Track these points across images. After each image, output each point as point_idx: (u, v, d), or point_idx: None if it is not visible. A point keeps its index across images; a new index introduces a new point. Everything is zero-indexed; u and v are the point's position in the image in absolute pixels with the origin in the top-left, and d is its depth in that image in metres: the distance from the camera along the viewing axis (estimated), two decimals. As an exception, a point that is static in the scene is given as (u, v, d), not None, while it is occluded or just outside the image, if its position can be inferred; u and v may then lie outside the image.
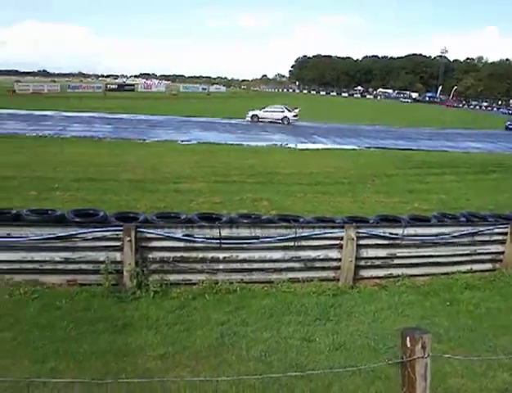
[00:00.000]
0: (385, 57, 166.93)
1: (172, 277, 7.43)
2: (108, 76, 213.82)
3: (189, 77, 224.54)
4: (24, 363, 5.44)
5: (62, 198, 12.33)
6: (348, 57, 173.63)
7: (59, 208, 8.68)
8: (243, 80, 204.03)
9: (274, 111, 40.38)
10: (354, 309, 7.18)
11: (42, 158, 18.41)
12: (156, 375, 5.26)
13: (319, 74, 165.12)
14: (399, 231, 8.27)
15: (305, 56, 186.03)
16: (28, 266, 7.28)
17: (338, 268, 8.04)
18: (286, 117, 39.61)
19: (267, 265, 7.81)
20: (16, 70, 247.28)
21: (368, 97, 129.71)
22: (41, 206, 9.35)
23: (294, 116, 39.97)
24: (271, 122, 39.16)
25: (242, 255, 7.66)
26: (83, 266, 7.30)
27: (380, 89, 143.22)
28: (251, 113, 40.06)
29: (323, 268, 8.09)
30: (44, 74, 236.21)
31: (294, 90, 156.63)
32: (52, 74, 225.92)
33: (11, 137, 24.45)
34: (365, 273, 8.26)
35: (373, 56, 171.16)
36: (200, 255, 7.48)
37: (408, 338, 2.57)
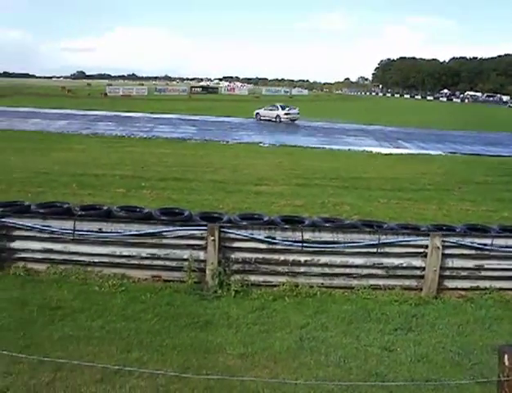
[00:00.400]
0: (474, 59, 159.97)
1: (253, 278, 7.50)
2: (193, 79, 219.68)
3: (271, 80, 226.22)
4: (111, 351, 5.69)
5: (149, 196, 12.81)
6: (434, 59, 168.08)
7: (145, 206, 9.02)
8: (325, 83, 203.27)
9: (271, 110, 41.59)
10: (437, 321, 6.90)
11: (130, 157, 19.25)
12: (236, 374, 5.30)
13: (403, 76, 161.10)
14: (487, 241, 7.88)
15: (389, 59, 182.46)
16: (116, 260, 7.63)
17: (421, 277, 7.77)
18: (278, 116, 40.42)
19: (348, 270, 7.69)
20: (108, 74, 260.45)
21: (455, 100, 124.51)
22: (129, 203, 9.78)
23: (286, 115, 40.51)
24: (269, 120, 40.03)
25: (323, 259, 7.58)
26: (168, 263, 7.54)
27: (468, 92, 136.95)
28: (256, 111, 41.30)
29: (406, 277, 7.85)
30: (133, 77, 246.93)
31: (377, 93, 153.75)
32: (141, 78, 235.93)
33: (102, 137, 25.84)
34: (449, 283, 7.93)
35: (461, 57, 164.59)
36: (282, 257, 7.48)
37: (506, 356, 2.42)
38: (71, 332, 6.07)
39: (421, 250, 7.68)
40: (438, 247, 7.52)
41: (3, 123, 31.90)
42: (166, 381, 5.11)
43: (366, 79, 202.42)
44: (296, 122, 39.78)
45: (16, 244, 7.83)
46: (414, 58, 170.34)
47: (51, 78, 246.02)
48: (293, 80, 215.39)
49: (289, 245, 7.46)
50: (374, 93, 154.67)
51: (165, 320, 6.46)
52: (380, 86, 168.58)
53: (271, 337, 6.15)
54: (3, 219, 7.73)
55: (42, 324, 6.23)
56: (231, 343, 5.97)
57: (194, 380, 5.10)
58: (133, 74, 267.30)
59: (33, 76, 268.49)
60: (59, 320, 6.35)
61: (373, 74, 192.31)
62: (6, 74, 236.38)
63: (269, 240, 7.38)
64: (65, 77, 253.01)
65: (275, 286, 7.48)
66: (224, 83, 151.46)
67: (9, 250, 7.88)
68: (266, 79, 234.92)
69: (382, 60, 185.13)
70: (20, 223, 7.70)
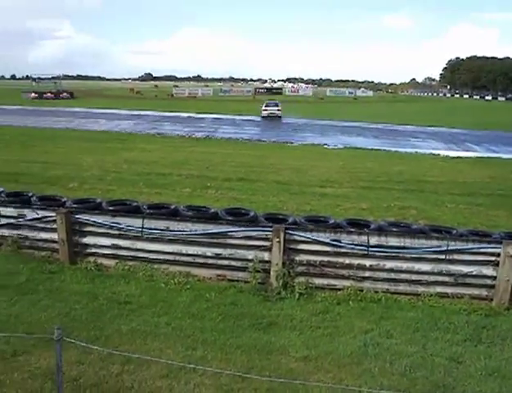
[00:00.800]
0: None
1: (318, 281, 7.43)
2: (257, 80, 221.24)
3: (335, 81, 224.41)
4: (176, 347, 5.80)
5: (214, 196, 13.00)
6: (508, 57, 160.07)
7: (211, 205, 9.14)
8: (390, 84, 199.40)
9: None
10: (510, 334, 6.57)
11: (195, 157, 19.61)
12: (298, 377, 5.27)
13: (473, 76, 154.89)
14: None
15: (458, 58, 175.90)
16: (182, 258, 7.77)
17: (492, 286, 7.43)
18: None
19: (414, 277, 7.47)
20: (174, 76, 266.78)
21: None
22: (194, 203, 9.94)
23: (269, 113, 43.59)
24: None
25: (389, 265, 7.41)
26: (233, 263, 7.60)
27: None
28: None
29: (475, 286, 7.53)
30: (198, 79, 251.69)
31: (444, 94, 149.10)
32: (205, 79, 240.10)
33: (168, 137, 26.48)
34: (523, 294, 7.56)
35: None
36: (347, 261, 7.38)
37: None
38: (138, 326, 6.23)
39: (493, 258, 7.35)
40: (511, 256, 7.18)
41: (73, 123, 33.37)
42: (229, 381, 5.14)
43: (433, 80, 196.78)
44: (361, 124, 39.15)
45: (88, 239, 8.14)
46: (485, 57, 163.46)
47: (120, 80, 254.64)
48: (357, 81, 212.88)
49: (355, 248, 7.34)
50: (441, 94, 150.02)
51: (229, 319, 6.51)
52: (448, 87, 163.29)
53: (334, 341, 6.08)
54: (77, 216, 8.05)
55: (111, 318, 6.44)
56: (294, 345, 5.94)
57: (257, 381, 5.11)
58: (198, 76, 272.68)
59: (104, 79, 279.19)
60: (127, 315, 6.54)
61: (440, 74, 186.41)
62: (79, 77, 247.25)
63: (334, 243, 7.30)
64: (134, 79, 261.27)
65: (339, 289, 7.39)
66: (288, 85, 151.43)
67: (81, 245, 8.21)
68: (330, 79, 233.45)
69: (450, 60, 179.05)
70: (92, 219, 7.99)
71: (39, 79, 71.96)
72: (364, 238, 7.33)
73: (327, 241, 7.32)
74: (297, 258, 7.42)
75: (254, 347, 5.88)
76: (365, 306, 7.05)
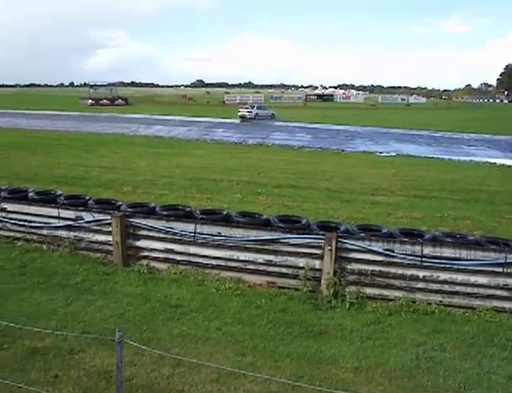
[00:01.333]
0: None
1: (369, 291, 7.32)
2: (307, 87, 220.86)
3: (387, 87, 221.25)
4: (226, 353, 5.85)
5: (264, 202, 13.02)
6: None
7: (261, 212, 9.16)
8: (444, 90, 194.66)
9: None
10: None
11: (246, 164, 19.74)
12: (349, 388, 5.22)
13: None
14: None
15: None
16: (233, 264, 7.83)
17: (553, 303, 7.13)
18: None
19: (469, 290, 7.24)
20: (226, 83, 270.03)
21: None
22: (245, 209, 9.99)
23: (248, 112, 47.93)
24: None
25: (443, 276, 7.21)
26: (283, 270, 7.59)
27: None
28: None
29: (535, 301, 7.25)
30: (249, 85, 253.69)
31: (501, 100, 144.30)
32: (256, 86, 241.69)
33: (220, 143, 26.80)
34: None
35: None
36: (399, 271, 7.23)
37: None
38: (189, 330, 6.33)
39: (554, 272, 7.06)
40: None
41: (127, 129, 34.23)
42: (279, 388, 5.14)
43: (490, 86, 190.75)
44: (413, 131, 38.36)
45: (141, 243, 8.32)
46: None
47: (172, 86, 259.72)
48: (410, 88, 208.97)
49: (408, 259, 7.19)
50: (498, 100, 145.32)
51: (279, 327, 6.50)
52: (506, 92, 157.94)
53: (385, 353, 5.97)
54: (131, 219, 8.25)
55: (162, 320, 6.57)
56: (345, 355, 5.88)
57: (306, 390, 5.09)
58: (249, 83, 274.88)
59: (157, 85, 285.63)
60: (178, 318, 6.65)
61: (498, 79, 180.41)
62: (133, 84, 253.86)
63: (387, 253, 7.18)
64: (186, 85, 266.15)
65: (390, 300, 7.26)
66: (339, 91, 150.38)
67: (135, 248, 8.40)
68: (381, 86, 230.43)
69: (508, 65, 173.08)
70: (146, 223, 8.16)
71: (96, 85, 74.15)
72: (417, 248, 7.18)
73: (379, 250, 7.20)
74: (348, 267, 7.34)
75: (304, 356, 5.85)
76: (417, 318, 6.89)
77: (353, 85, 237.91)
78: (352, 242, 7.25)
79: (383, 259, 7.22)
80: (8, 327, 5.89)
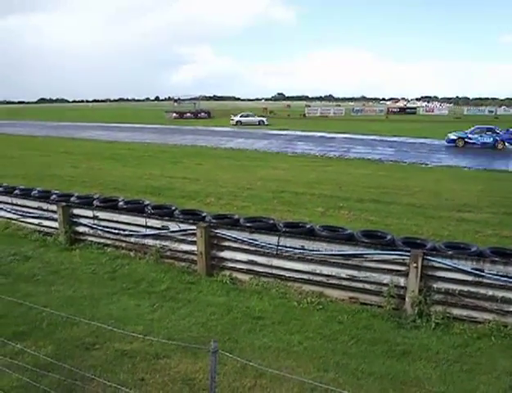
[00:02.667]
0: None
1: (456, 312, 7.02)
2: (389, 100, 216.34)
3: (473, 99, 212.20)
4: (308, 367, 5.82)
5: (346, 217, 12.89)
6: None
7: (342, 226, 9.04)
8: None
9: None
10: None
11: (328, 177, 19.63)
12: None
13: None
14: None
15: None
16: (316, 278, 7.79)
17: None
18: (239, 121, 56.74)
19: None
20: (306, 96, 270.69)
21: None
22: (326, 223, 9.93)
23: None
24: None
25: (539, 300, 6.80)
26: (367, 286, 7.45)
27: None
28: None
29: None
30: (330, 98, 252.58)
31: None
32: (337, 99, 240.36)
33: (301, 157, 26.86)
34: None
35: None
36: (490, 292, 6.87)
37: None
38: (271, 342, 6.35)
39: None
40: None
41: (210, 141, 35.12)
42: (362, 408, 5.04)
43: None
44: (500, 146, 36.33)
45: (225, 254, 8.48)
46: None
47: (253, 100, 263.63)
48: (499, 99, 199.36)
49: (499, 280, 6.83)
50: None
51: (362, 344, 6.39)
52: None
53: (474, 379, 5.68)
54: (215, 230, 8.43)
55: (244, 331, 6.65)
56: (430, 378, 5.68)
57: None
58: (330, 95, 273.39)
59: (238, 99, 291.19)
60: (260, 330, 6.71)
61: None
62: (215, 98, 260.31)
63: (476, 272, 6.86)
64: (267, 99, 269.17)
65: (479, 322, 6.91)
66: (422, 104, 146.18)
67: (218, 258, 8.57)
68: (467, 98, 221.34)
69: None
70: (230, 234, 8.31)
71: (180, 99, 76.35)
72: (510, 269, 6.80)
73: (468, 269, 6.90)
74: (434, 285, 7.08)
75: (387, 375, 5.71)
76: (509, 344, 6.50)
77: (437, 97, 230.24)
78: (439, 260, 6.98)
79: (472, 279, 6.89)
80: (100, 329, 6.23)
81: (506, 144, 31.84)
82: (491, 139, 32.28)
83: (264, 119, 57.69)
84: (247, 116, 58.68)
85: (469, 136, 33.03)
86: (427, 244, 7.67)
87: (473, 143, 32.62)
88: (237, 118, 57.64)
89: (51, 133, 44.46)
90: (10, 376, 5.08)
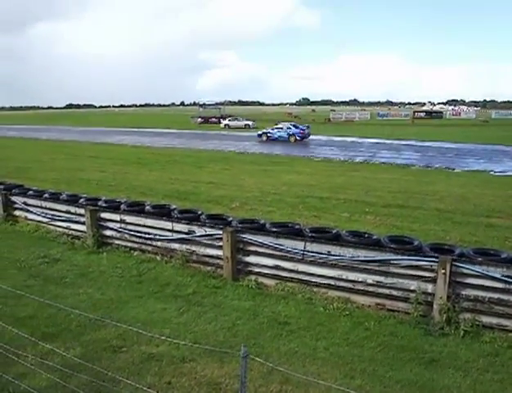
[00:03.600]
0: None
1: (485, 319, 6.88)
2: (415, 104, 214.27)
3: (502, 102, 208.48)
4: (334, 373, 5.77)
5: (372, 222, 12.78)
6: None
7: (368, 231, 8.97)
8: None
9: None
10: None
11: (354, 182, 19.52)
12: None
13: None
14: None
15: None
16: (342, 284, 7.74)
17: None
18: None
19: None
20: (331, 100, 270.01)
21: None
22: (352, 228, 9.87)
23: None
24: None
25: None
26: (393, 292, 7.37)
27: None
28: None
29: None
30: (354, 103, 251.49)
31: None
32: (362, 103, 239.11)
33: (327, 161, 26.78)
34: None
35: None
36: (521, 300, 6.75)
37: None
38: (297, 348, 6.34)
39: None
40: None
41: (235, 146, 35.26)
42: (389, 415, 4.99)
43: None
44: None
45: (251, 259, 8.49)
46: None
47: (278, 105, 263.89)
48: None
49: (531, 287, 6.69)
50: None
51: (388, 351, 6.32)
52: None
53: (506, 390, 5.55)
54: (241, 235, 8.45)
55: (270, 336, 6.64)
56: (460, 387, 5.58)
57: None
58: (355, 100, 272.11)
59: (263, 103, 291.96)
60: (286, 335, 6.69)
61: None
62: (240, 102, 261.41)
63: (507, 279, 6.73)
64: (291, 103, 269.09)
65: (510, 331, 6.78)
66: (448, 107, 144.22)
67: (244, 263, 8.59)
68: (495, 101, 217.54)
69: None
70: (256, 239, 8.32)
71: (205, 104, 76.76)
72: (542, 277, 6.66)
73: (498, 276, 6.77)
74: (463, 292, 6.96)
75: (415, 383, 5.64)
76: (543, 354, 6.36)
77: (463, 101, 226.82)
78: (468, 267, 6.86)
79: (502, 287, 6.75)
80: (127, 332, 6.29)
81: (297, 138, 41.02)
82: (286, 134, 41.63)
83: (250, 122, 60.93)
84: (235, 120, 62.66)
85: (270, 131, 42.59)
86: (455, 250, 7.56)
87: (276, 138, 41.64)
88: (225, 122, 61.59)
89: (79, 138, 45.23)
90: (41, 375, 5.16)
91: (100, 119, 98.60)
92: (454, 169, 24.00)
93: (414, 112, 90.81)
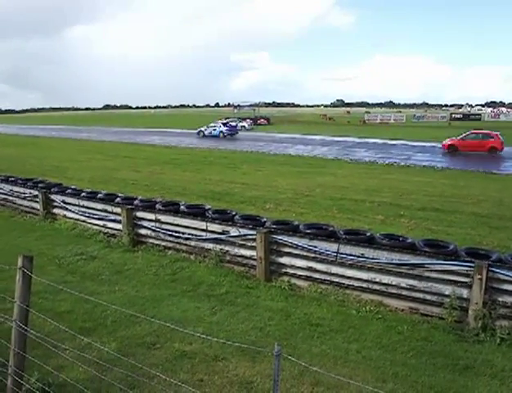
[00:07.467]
0: None
1: (523, 327, 6.74)
2: (452, 106, 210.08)
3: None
4: (366, 377, 5.70)
5: (407, 225, 12.64)
6: None
7: (403, 234, 8.88)
8: None
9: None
10: None
11: (388, 184, 19.32)
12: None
13: None
14: None
15: None
16: (375, 287, 7.69)
17: None
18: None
19: None
20: (366, 102, 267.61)
21: None
22: (386, 231, 9.76)
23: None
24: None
25: None
26: (427, 296, 7.28)
27: None
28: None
29: None
30: (390, 104, 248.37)
31: None
32: (398, 105, 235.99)
33: (361, 164, 26.56)
34: None
35: None
36: (557, 308, 6.58)
37: None
38: (328, 350, 6.30)
39: None
40: None
41: (270, 147, 35.32)
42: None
43: None
44: None
45: (284, 260, 8.51)
46: None
47: (312, 106, 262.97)
48: None
49: None
50: None
51: (421, 356, 6.24)
52: None
53: (543, 401, 5.44)
54: (275, 236, 8.48)
55: (302, 337, 6.63)
56: (495, 395, 5.47)
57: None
58: (390, 102, 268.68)
59: (297, 105, 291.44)
60: (317, 337, 6.67)
61: None
62: (275, 104, 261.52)
63: (545, 286, 6.58)
64: (326, 105, 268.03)
65: (548, 339, 6.61)
66: (487, 109, 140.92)
67: (277, 264, 8.61)
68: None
69: None
70: (290, 240, 8.34)
71: (239, 106, 77.14)
72: None
73: (537, 283, 6.62)
74: (500, 299, 6.81)
75: (449, 390, 5.53)
76: None
77: (503, 102, 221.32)
78: (505, 272, 6.73)
79: (540, 294, 6.62)
80: (161, 329, 6.40)
81: (226, 135, 47.62)
82: (217, 132, 48.45)
83: (246, 124, 61.91)
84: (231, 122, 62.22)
85: (204, 129, 49.50)
86: (492, 255, 7.41)
87: (209, 135, 48.48)
88: (219, 123, 60.97)
89: (115, 139, 46.13)
90: (78, 368, 5.29)
91: (136, 119, 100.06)
92: (492, 172, 23.49)
93: (451, 114, 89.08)
